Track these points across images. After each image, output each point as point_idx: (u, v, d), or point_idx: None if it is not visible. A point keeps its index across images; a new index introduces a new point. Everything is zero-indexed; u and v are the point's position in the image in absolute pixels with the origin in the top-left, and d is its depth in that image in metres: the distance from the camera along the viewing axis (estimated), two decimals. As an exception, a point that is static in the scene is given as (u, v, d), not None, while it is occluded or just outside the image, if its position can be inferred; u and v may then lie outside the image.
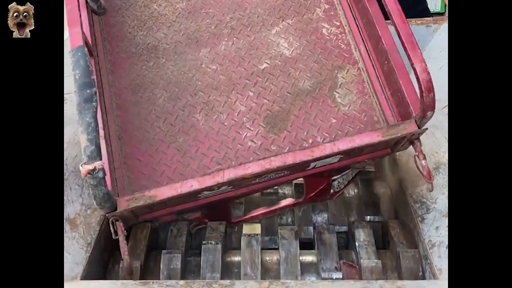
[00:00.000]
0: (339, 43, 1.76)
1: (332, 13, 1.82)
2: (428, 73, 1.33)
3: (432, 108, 1.36)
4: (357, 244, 1.73)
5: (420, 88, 1.34)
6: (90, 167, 1.17)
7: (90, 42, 1.63)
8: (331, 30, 1.79)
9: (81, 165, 1.20)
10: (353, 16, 1.76)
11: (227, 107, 1.68)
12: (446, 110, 1.78)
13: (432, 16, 2.60)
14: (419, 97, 1.38)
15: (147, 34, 1.82)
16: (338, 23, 1.80)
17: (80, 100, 1.24)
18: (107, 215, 1.37)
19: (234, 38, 1.80)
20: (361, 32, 1.73)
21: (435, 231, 1.63)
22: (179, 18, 1.84)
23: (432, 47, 2.22)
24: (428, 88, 1.33)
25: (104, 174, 1.23)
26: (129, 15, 1.85)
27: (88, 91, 1.25)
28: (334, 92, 1.68)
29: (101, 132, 1.59)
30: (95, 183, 1.21)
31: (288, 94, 1.69)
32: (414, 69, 1.34)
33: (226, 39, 1.79)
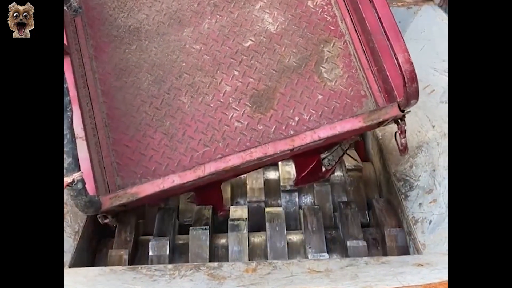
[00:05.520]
0: (325, 16, 1.70)
1: None
2: (411, 63, 1.30)
3: (416, 97, 1.35)
4: (343, 223, 1.72)
5: (403, 78, 1.32)
6: (69, 179, 1.17)
7: (65, 39, 1.58)
8: (316, 2, 1.72)
9: None
10: None
11: (213, 88, 1.64)
12: (427, 90, 1.82)
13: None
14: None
15: (128, 16, 1.77)
16: None
17: None
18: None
19: (218, 16, 1.74)
20: (347, 4, 1.67)
21: (418, 208, 1.64)
22: None
23: (413, 28, 2.19)
24: (411, 79, 1.30)
25: (84, 184, 1.23)
26: None
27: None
28: (320, 67, 1.63)
29: (88, 121, 1.58)
30: (75, 194, 1.22)
31: (274, 72, 1.64)
32: (397, 59, 1.31)
33: (209, 17, 1.74)
